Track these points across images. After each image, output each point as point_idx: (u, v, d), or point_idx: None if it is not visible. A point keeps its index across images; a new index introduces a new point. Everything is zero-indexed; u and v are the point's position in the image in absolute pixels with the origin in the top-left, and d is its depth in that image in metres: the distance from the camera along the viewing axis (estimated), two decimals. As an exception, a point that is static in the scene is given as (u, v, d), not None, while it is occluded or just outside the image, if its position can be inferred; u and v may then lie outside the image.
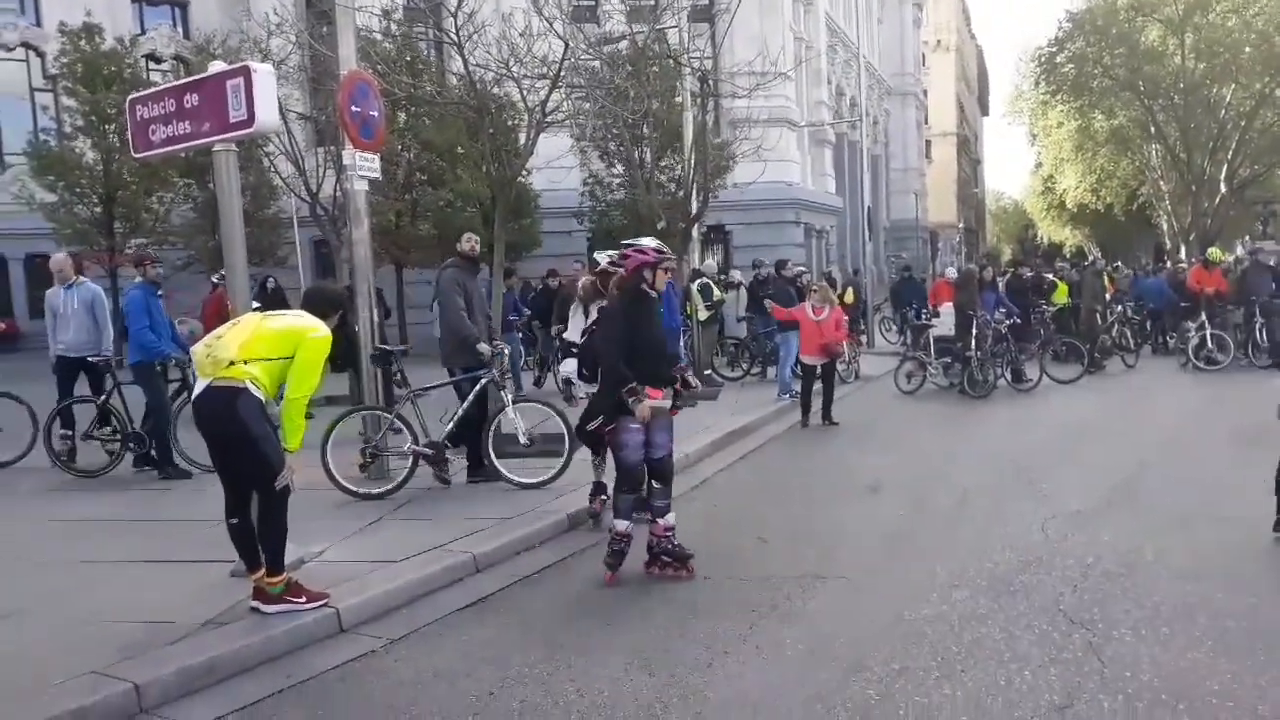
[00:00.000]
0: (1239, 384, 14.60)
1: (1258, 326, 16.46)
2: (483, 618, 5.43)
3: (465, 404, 8.23)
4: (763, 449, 10.73)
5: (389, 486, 7.84)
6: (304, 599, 5.12)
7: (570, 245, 24.32)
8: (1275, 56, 32.76)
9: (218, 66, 6.38)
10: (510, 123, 11.77)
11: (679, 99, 16.76)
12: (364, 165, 8.54)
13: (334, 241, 16.71)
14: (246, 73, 5.97)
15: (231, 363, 4.88)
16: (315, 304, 5.48)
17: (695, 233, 17.48)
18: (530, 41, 10.55)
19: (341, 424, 8.00)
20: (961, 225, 70.01)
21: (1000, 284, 16.52)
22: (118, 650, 4.59)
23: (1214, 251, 19.67)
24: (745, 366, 16.52)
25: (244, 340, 4.95)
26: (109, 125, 19.93)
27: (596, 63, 13.54)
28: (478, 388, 8.23)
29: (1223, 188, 35.84)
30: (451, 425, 8.18)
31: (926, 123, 60.39)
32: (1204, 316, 16.58)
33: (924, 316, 16.71)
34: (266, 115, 6.03)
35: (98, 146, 20.49)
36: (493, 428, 8.23)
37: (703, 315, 15.70)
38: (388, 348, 8.85)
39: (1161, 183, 39.17)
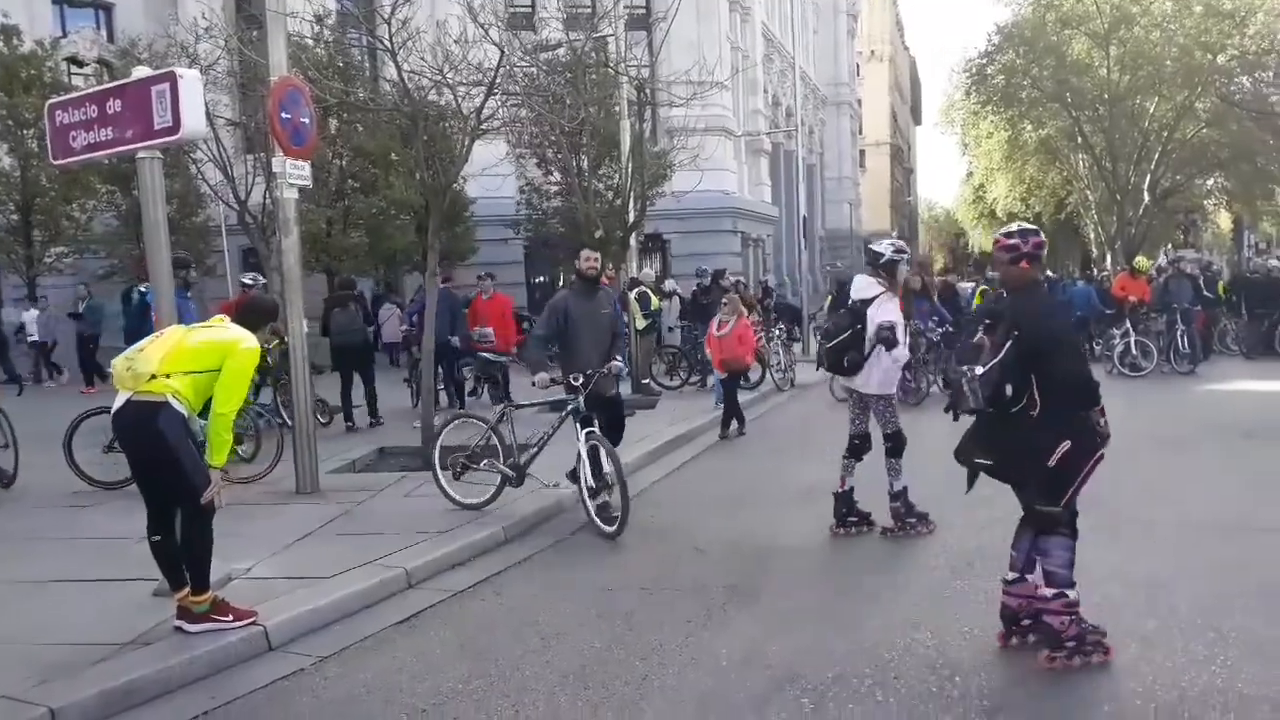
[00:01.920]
0: (1161, 389, 15.05)
1: (1179, 333, 17.00)
2: (415, 634, 5.35)
3: (550, 431, 7.77)
4: (700, 458, 10.75)
5: (480, 500, 7.67)
6: (230, 617, 4.99)
7: (506, 253, 24.20)
8: (1196, 70, 33.84)
9: (142, 71, 6.24)
10: (445, 130, 11.67)
11: (616, 107, 16.78)
12: (294, 173, 8.41)
13: (263, 250, 16.37)
14: (172, 78, 5.84)
15: (153, 376, 4.75)
16: (246, 315, 5.38)
17: (633, 241, 17.51)
18: (465, 49, 10.48)
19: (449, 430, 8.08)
20: (895, 234, 71.14)
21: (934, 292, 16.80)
22: (35, 673, 4.42)
23: (1140, 260, 20.24)
24: (683, 375, 16.55)
25: (166, 353, 4.82)
26: (27, 130, 19.30)
27: (533, 70, 13.51)
28: (560, 417, 7.73)
29: (1146, 197, 36.89)
30: (533, 451, 7.81)
31: (861, 132, 61.30)
32: (1128, 324, 17.05)
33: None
34: (193, 122, 5.90)
35: (15, 152, 19.82)
36: (585, 459, 7.40)
37: (641, 324, 15.73)
38: (492, 357, 8.65)
39: (1088, 192, 40.23)
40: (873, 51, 69.91)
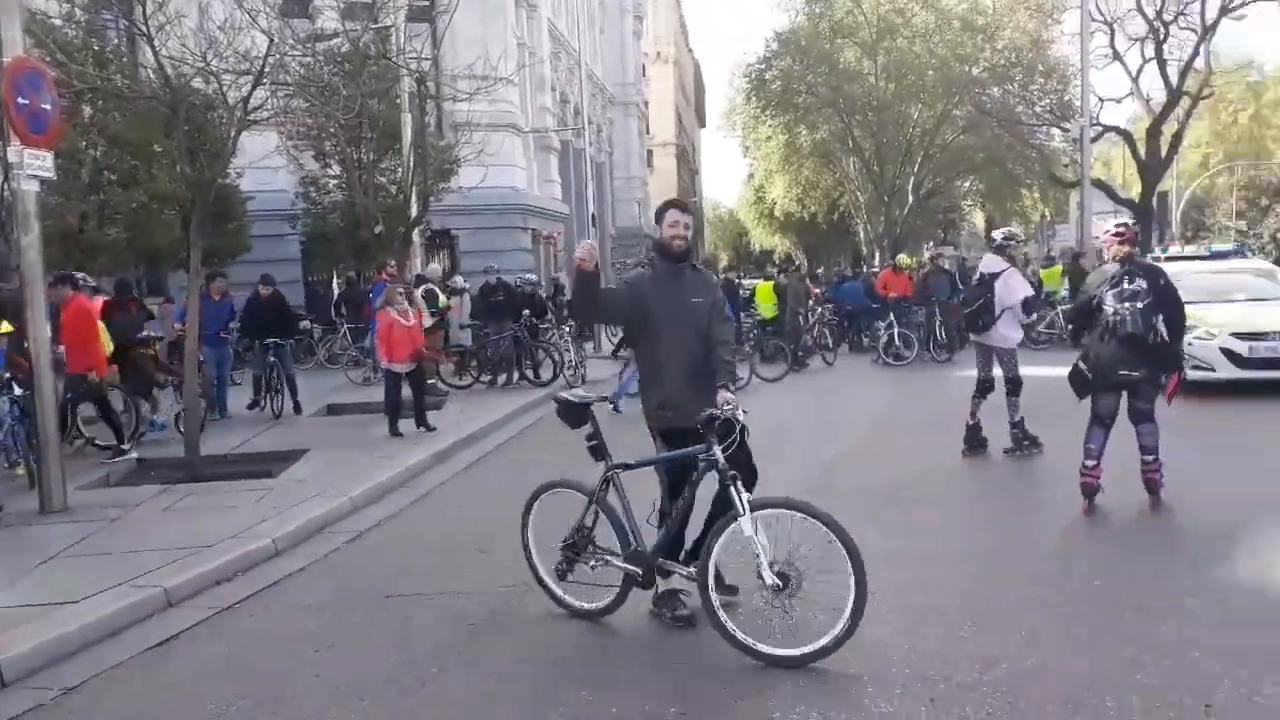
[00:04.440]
0: (922, 376, 16.16)
1: (937, 325, 18.32)
2: (175, 656, 5.02)
3: (682, 497, 5.21)
4: (487, 458, 10.63)
5: (599, 605, 5.27)
6: (-44, 653, 4.52)
7: (283, 250, 23.18)
8: (953, 80, 36.35)
9: None
10: (214, 120, 11.02)
11: (397, 100, 16.37)
12: (34, 164, 7.74)
13: (1, 246, 14.99)
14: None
15: None
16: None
17: (417, 237, 17.15)
18: (231, 35, 9.94)
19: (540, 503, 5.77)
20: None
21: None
22: None
23: (903, 258, 21.63)
24: (474, 374, 16.34)
25: None
26: None
27: (309, 60, 12.97)
28: (697, 476, 5.17)
29: (910, 198, 39.40)
30: (663, 530, 5.21)
31: (648, 132, 62.45)
32: (892, 316, 18.22)
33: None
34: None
35: None
36: (715, 545, 4.85)
37: (428, 322, 15.40)
38: (583, 398, 5.95)
39: (859, 193, 42.54)
40: (658, 53, 71.32)
